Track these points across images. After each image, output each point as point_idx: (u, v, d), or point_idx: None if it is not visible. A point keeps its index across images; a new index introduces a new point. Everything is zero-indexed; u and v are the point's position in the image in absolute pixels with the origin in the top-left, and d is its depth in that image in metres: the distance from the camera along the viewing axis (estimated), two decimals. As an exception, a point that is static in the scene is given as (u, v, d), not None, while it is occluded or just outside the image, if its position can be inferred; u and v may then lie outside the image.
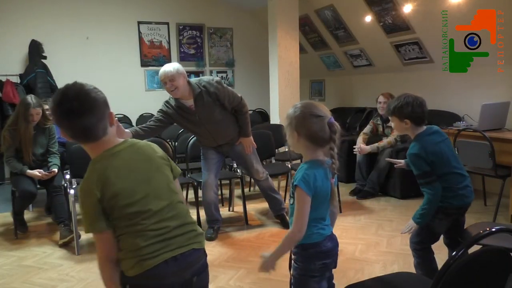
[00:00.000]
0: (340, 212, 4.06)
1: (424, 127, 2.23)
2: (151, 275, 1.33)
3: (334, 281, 1.82)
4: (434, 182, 2.13)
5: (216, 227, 3.56)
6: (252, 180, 5.13)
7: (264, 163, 4.74)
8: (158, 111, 3.34)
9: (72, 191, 3.31)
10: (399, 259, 2.97)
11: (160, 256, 1.34)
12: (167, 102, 3.32)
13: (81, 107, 1.30)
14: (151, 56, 6.63)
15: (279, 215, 3.78)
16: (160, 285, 1.36)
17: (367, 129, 4.71)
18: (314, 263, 1.61)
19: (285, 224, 3.71)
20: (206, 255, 1.49)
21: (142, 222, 1.35)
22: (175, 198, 1.45)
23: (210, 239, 3.44)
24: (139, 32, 6.57)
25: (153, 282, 1.35)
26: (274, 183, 4.66)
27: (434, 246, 2.31)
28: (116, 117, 1.45)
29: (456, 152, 2.26)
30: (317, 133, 1.56)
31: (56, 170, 3.60)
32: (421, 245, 2.27)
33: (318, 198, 1.59)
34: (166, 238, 1.36)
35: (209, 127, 3.31)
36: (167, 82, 3.14)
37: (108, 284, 1.40)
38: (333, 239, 1.67)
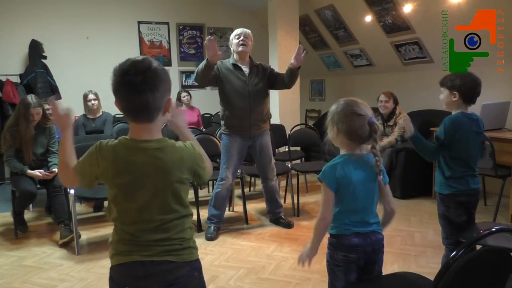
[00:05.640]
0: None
1: (470, 111, 2.30)
2: (119, 270, 1.34)
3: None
4: (439, 151, 2.28)
5: (217, 226, 3.57)
6: (252, 180, 5.14)
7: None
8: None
9: (72, 191, 3.30)
10: (399, 259, 2.97)
11: (129, 256, 1.32)
12: (221, 61, 3.43)
13: (143, 83, 1.30)
14: (151, 56, 6.61)
15: (277, 218, 3.80)
16: (125, 284, 1.34)
17: (367, 128, 4.70)
18: (337, 253, 1.64)
19: (285, 225, 3.72)
20: (188, 269, 1.36)
21: (122, 226, 1.35)
22: (174, 216, 1.35)
23: (211, 238, 3.45)
24: (139, 32, 6.57)
25: (118, 278, 1.35)
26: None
27: (436, 246, 2.31)
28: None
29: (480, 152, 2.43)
30: (356, 131, 1.59)
31: (56, 170, 3.59)
32: (450, 239, 2.32)
33: (342, 189, 1.62)
34: (140, 244, 1.32)
35: (252, 101, 3.41)
36: (242, 36, 3.41)
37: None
38: (366, 237, 1.63)
